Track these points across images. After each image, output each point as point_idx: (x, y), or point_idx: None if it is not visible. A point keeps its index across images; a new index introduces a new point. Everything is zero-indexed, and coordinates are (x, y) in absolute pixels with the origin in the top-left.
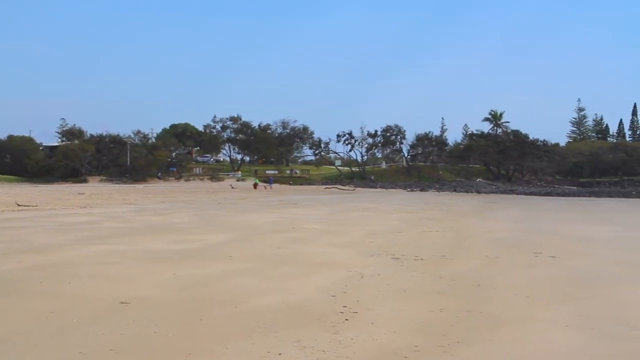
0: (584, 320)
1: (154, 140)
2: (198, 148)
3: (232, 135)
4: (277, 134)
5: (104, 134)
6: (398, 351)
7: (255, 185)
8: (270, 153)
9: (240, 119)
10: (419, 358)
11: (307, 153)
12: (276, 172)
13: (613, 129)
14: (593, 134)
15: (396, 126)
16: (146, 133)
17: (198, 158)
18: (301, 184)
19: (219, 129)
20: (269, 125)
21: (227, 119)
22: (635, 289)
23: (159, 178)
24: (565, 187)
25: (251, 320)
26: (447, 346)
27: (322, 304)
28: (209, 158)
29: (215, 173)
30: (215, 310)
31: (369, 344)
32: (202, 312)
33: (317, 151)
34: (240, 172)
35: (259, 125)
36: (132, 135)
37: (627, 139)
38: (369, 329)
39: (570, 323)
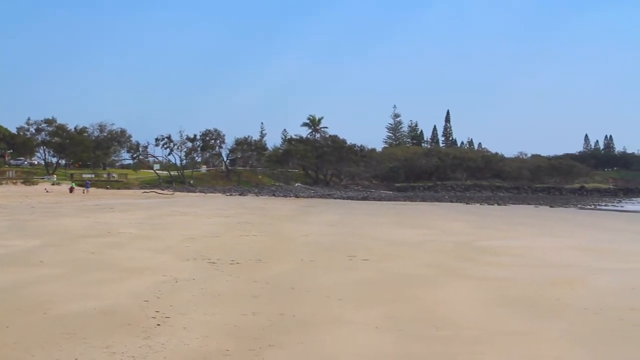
0: (393, 321)
1: None
2: (11, 151)
3: (47, 138)
4: (94, 137)
5: None
6: (209, 355)
7: (71, 189)
8: (86, 156)
9: (56, 121)
10: None
11: (125, 157)
12: (93, 175)
13: (427, 134)
14: (408, 140)
15: (215, 130)
16: None
17: (11, 161)
18: (119, 188)
19: (33, 131)
20: (86, 128)
21: (41, 121)
22: (442, 291)
23: None
24: (382, 191)
25: (60, 327)
26: (258, 350)
27: (135, 309)
28: (22, 161)
29: (29, 176)
30: (23, 317)
31: (180, 349)
32: (9, 320)
33: (135, 155)
34: (55, 176)
35: (75, 128)
36: None
37: (441, 144)
38: (181, 334)
39: (380, 325)
